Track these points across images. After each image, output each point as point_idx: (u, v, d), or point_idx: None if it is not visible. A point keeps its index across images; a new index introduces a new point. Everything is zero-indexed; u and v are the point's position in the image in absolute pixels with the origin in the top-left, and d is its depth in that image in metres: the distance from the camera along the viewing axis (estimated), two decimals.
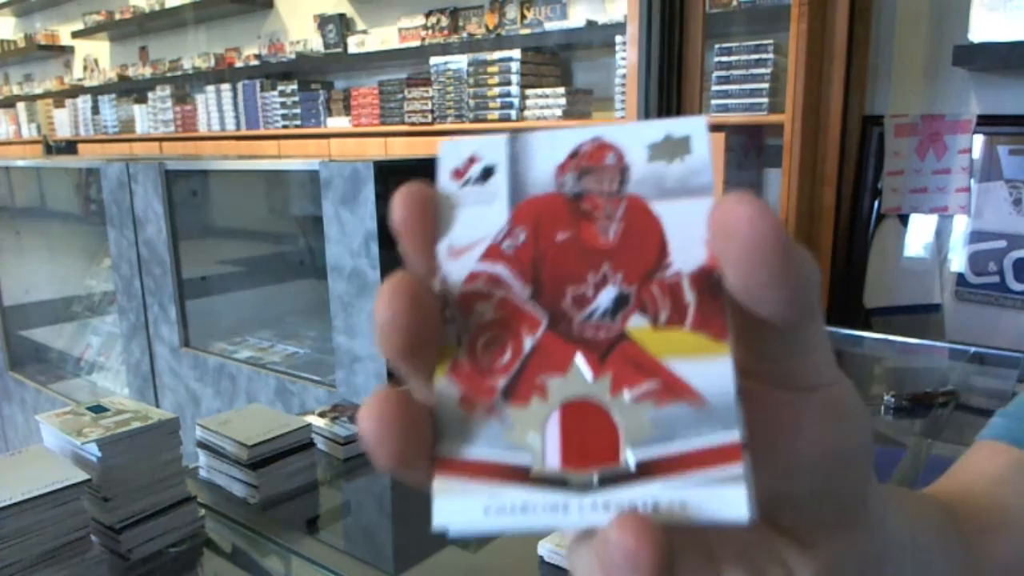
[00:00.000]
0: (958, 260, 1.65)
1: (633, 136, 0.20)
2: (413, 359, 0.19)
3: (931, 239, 1.69)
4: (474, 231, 0.20)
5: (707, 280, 0.19)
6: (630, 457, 0.18)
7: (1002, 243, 1.58)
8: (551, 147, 0.21)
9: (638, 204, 0.20)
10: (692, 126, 0.20)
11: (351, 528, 0.94)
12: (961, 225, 1.65)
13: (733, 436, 0.18)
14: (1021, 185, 1.57)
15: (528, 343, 0.19)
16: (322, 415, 1.09)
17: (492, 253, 0.20)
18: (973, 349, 1.36)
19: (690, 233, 0.19)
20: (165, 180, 1.98)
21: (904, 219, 1.72)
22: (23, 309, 2.82)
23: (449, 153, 0.21)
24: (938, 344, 1.43)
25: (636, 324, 0.19)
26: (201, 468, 0.98)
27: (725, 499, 0.17)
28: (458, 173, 0.21)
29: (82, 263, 2.79)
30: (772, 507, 0.22)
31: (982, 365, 1.36)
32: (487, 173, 0.21)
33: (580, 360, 0.19)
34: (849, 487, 0.22)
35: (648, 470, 0.18)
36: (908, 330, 1.57)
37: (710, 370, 0.18)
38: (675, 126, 0.20)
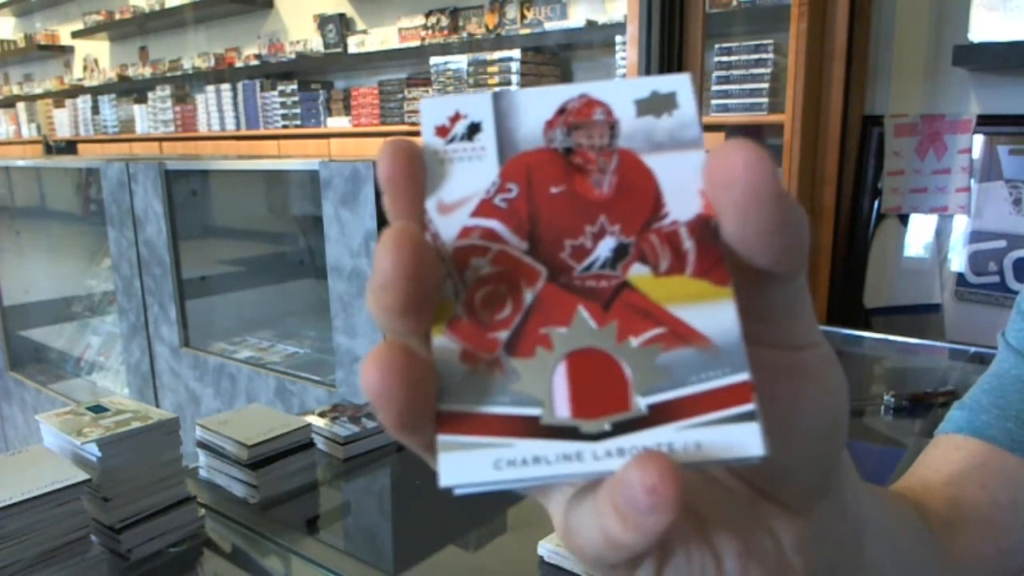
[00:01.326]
0: (958, 260, 1.65)
1: (620, 92, 0.20)
2: (414, 314, 0.18)
3: (931, 239, 1.69)
4: (464, 187, 0.20)
5: (704, 228, 0.19)
6: (641, 402, 0.18)
7: (1002, 243, 1.58)
8: (538, 104, 0.21)
9: (630, 157, 0.20)
10: (677, 82, 0.20)
11: (351, 528, 0.94)
12: (961, 225, 1.65)
13: (742, 376, 0.18)
14: (1021, 185, 1.57)
15: (529, 296, 0.19)
16: (322, 415, 1.09)
17: (485, 208, 0.20)
18: (973, 349, 1.35)
19: (684, 184, 0.19)
20: (165, 180, 1.98)
21: (904, 219, 1.72)
22: (23, 309, 2.82)
23: (432, 110, 0.21)
24: (938, 344, 1.43)
25: (637, 273, 0.19)
26: (201, 468, 0.98)
27: (740, 436, 0.18)
28: (443, 130, 0.20)
29: (82, 263, 2.79)
30: (756, 470, 0.22)
31: (982, 365, 1.36)
32: (473, 130, 0.20)
33: (583, 310, 0.19)
34: (827, 450, 0.22)
35: (660, 414, 0.18)
36: (908, 330, 1.57)
37: (715, 314, 0.18)
38: (661, 82, 0.20)
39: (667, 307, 0.19)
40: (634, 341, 0.19)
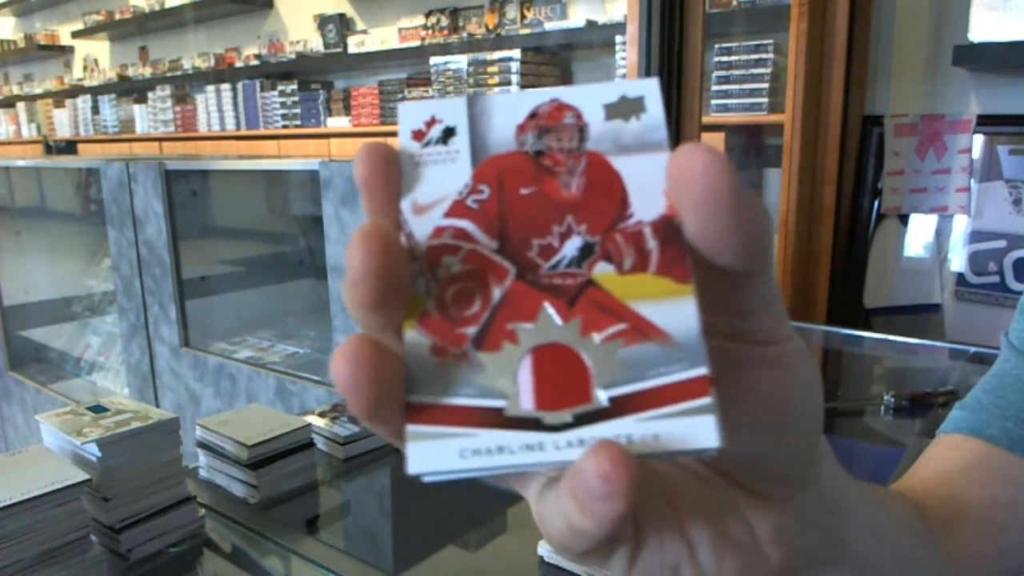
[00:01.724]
0: (958, 260, 1.65)
1: (589, 97, 0.21)
2: (385, 309, 0.19)
3: (931, 239, 1.69)
4: (438, 188, 0.21)
5: (668, 228, 0.19)
6: (602, 395, 0.19)
7: (1002, 243, 1.58)
8: (510, 108, 0.21)
9: (598, 159, 0.20)
10: (645, 87, 0.21)
11: (351, 528, 0.94)
12: (961, 225, 1.65)
13: (700, 371, 0.18)
14: (1021, 185, 1.57)
15: (497, 293, 0.20)
16: (322, 415, 1.09)
17: (457, 209, 0.20)
18: (973, 349, 1.35)
19: (649, 185, 0.20)
20: (165, 180, 1.98)
21: (904, 219, 1.72)
22: (23, 309, 2.82)
23: (409, 115, 0.21)
24: (938, 344, 1.43)
25: (602, 271, 0.20)
26: (201, 468, 0.98)
27: (696, 429, 0.18)
28: (419, 134, 0.21)
29: (82, 263, 2.79)
30: (729, 461, 0.23)
31: (982, 365, 1.36)
32: (448, 133, 0.21)
33: (549, 307, 0.19)
34: (800, 441, 0.23)
35: (620, 407, 0.19)
36: (908, 330, 1.57)
37: (675, 311, 0.19)
38: (629, 87, 0.21)
39: (630, 304, 0.19)
40: (597, 337, 0.19)
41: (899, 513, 0.36)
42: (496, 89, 2.87)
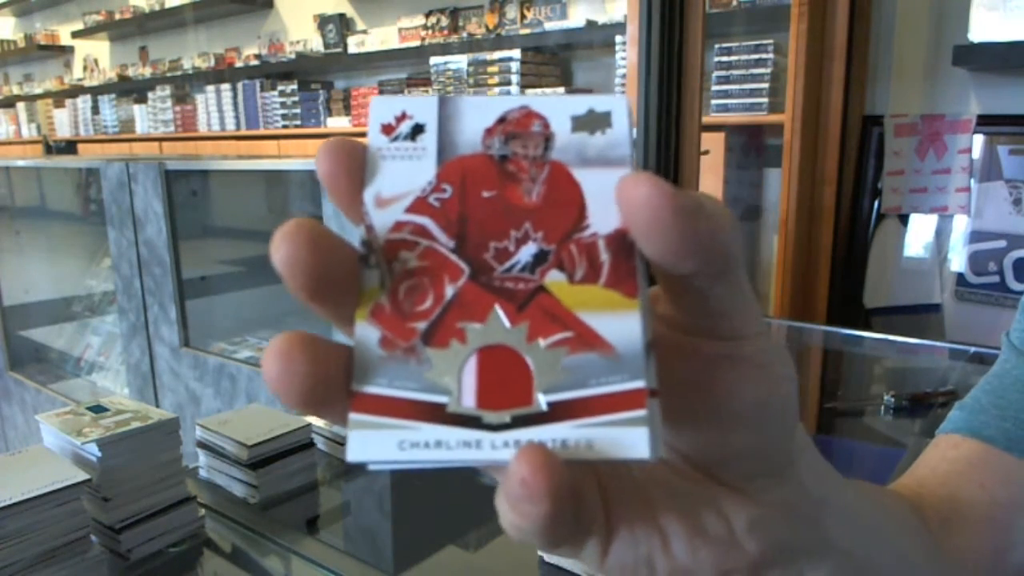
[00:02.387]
0: (958, 260, 1.65)
1: (558, 107, 0.21)
2: (323, 300, 0.20)
3: (931, 239, 1.69)
4: (401, 184, 0.21)
5: (621, 242, 0.20)
6: (542, 399, 0.19)
7: (1002, 243, 1.58)
8: (480, 111, 0.22)
9: (560, 169, 0.21)
10: (614, 103, 0.21)
11: (351, 528, 0.94)
12: (961, 225, 1.65)
13: (639, 383, 0.19)
14: (1021, 185, 1.57)
15: (450, 291, 0.20)
16: None
17: (418, 205, 0.21)
18: (973, 349, 1.35)
19: (607, 199, 0.20)
20: (165, 180, 1.98)
21: (904, 219, 1.72)
22: (23, 309, 2.81)
23: (380, 108, 0.22)
24: (938, 344, 1.43)
25: (554, 279, 0.20)
26: (201, 468, 0.98)
27: (629, 438, 0.19)
28: (388, 128, 0.21)
29: (82, 263, 2.79)
30: (703, 455, 0.23)
31: (982, 365, 1.36)
32: (417, 130, 0.21)
33: (499, 309, 0.20)
34: (773, 436, 0.23)
35: (559, 412, 0.19)
36: (908, 330, 1.57)
37: (620, 323, 0.20)
38: (598, 102, 0.21)
39: (577, 313, 0.20)
40: (543, 342, 0.20)
41: (897, 512, 0.36)
42: (496, 89, 2.87)
